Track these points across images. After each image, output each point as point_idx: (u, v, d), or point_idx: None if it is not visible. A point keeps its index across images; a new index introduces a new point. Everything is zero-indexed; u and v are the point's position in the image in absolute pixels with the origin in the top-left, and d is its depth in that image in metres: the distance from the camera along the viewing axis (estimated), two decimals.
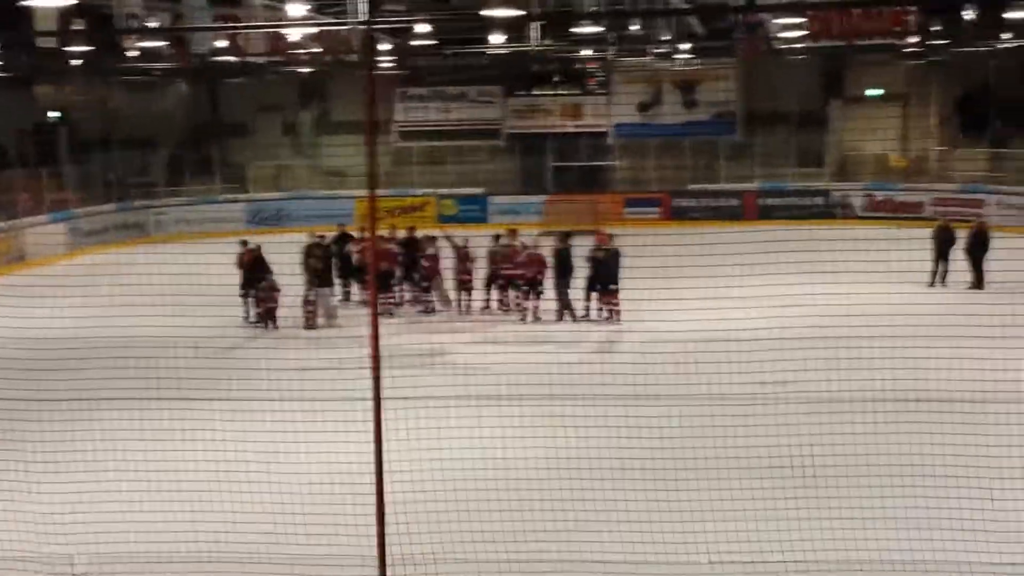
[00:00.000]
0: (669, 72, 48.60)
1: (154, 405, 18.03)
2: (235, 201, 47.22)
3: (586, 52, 46.38)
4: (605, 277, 25.62)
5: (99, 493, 13.80)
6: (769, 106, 47.44)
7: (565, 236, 27.22)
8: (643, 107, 49.39)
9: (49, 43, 34.84)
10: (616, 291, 25.42)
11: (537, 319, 26.00)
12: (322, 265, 26.94)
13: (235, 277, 26.23)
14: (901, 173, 46.26)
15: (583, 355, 22.36)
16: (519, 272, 26.67)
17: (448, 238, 27.90)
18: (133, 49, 37.90)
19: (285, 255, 24.51)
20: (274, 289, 25.85)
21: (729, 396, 17.75)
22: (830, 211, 44.56)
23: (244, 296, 26.53)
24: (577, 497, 13.71)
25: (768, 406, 17.19)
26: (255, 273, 26.41)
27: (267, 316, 26.00)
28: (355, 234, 29.48)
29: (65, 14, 30.76)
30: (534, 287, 26.39)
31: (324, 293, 26.68)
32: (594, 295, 25.96)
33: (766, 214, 43.85)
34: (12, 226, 38.05)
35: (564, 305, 26.07)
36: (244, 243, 27.80)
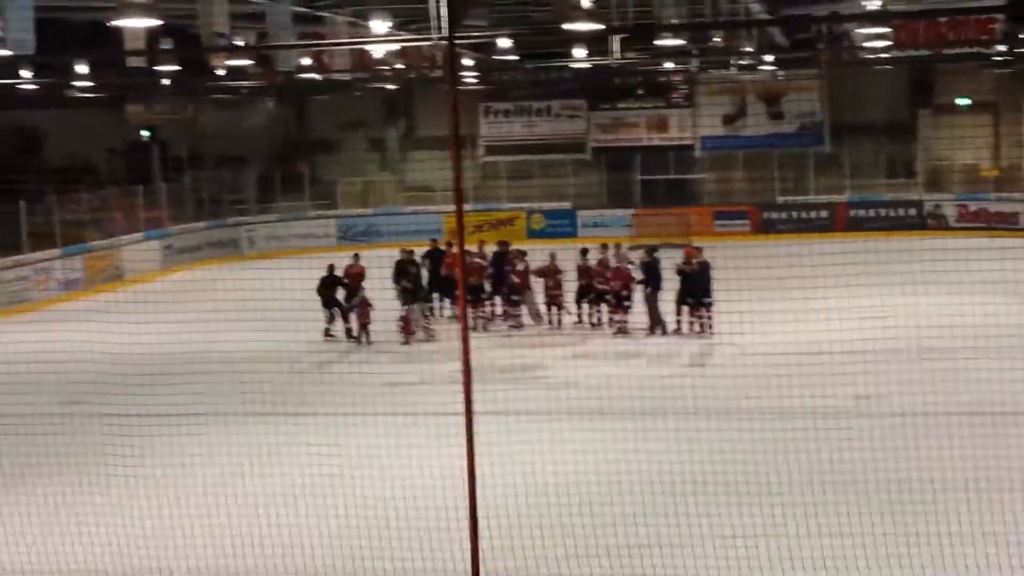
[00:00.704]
0: (753, 84, 48.33)
1: (249, 420, 18.24)
2: (325, 217, 47.60)
3: (669, 65, 46.25)
4: (696, 290, 25.50)
5: (196, 508, 13.98)
6: (856, 117, 47.02)
7: (652, 249, 27.16)
8: (728, 119, 49.13)
9: (138, 63, 35.36)
10: (709, 304, 25.26)
11: (627, 333, 25.93)
12: (414, 281, 27.10)
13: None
14: (992, 183, 45.61)
15: (675, 369, 22.28)
16: (608, 286, 26.63)
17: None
18: (220, 67, 38.36)
19: (374, 270, 24.74)
20: (368, 304, 26.00)
21: (822, 410, 17.59)
22: (922, 222, 44.03)
23: (343, 309, 26.74)
24: (670, 512, 13.65)
25: (863, 420, 17.02)
26: (358, 287, 26.59)
27: (362, 330, 26.15)
28: (444, 248, 29.61)
29: (153, 34, 31.22)
30: (621, 301, 26.34)
31: (416, 309, 26.81)
32: (685, 309, 25.84)
33: (857, 226, 43.43)
34: (109, 244, 38.67)
35: (654, 319, 25.98)
36: (356, 256, 28.11)
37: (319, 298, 26.47)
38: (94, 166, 48.66)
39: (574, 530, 12.92)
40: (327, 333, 26.75)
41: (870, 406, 18.11)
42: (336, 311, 26.79)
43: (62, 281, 35.53)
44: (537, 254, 28.04)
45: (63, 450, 16.47)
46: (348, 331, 26.57)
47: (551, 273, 27.25)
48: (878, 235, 38.35)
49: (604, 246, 27.91)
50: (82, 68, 37.13)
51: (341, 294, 26.85)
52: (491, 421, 15.12)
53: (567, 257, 27.37)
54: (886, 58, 42.96)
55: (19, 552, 12.72)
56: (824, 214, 45.50)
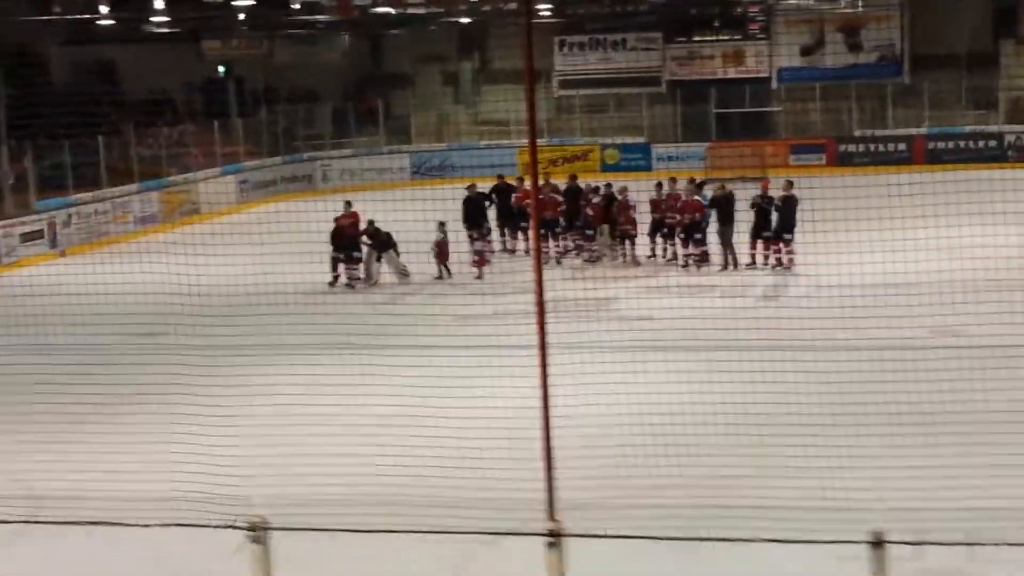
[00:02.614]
0: (832, 14, 47.65)
1: (325, 352, 18.41)
2: (400, 152, 47.66)
3: None
4: (777, 224, 25.33)
5: (274, 438, 14.17)
6: (936, 47, 46.27)
7: (724, 183, 27.06)
8: (806, 51, 48.57)
9: None
10: (789, 240, 25.13)
11: (699, 266, 25.86)
12: (482, 215, 27.16)
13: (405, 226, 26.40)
14: None
15: (749, 302, 22.18)
16: (680, 219, 26.54)
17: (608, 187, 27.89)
18: (296, 2, 38.44)
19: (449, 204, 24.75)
20: (444, 240, 26.06)
21: (898, 343, 17.46)
22: (1003, 154, 43.34)
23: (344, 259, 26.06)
24: (744, 444, 13.67)
25: (939, 352, 16.87)
26: (355, 236, 26.23)
27: (440, 265, 26.20)
28: (514, 183, 29.60)
29: None
30: (692, 233, 26.25)
31: (484, 243, 26.92)
32: (760, 243, 25.72)
33: (936, 158, 42.78)
34: (186, 179, 39.01)
35: (727, 253, 25.89)
36: (348, 204, 27.11)
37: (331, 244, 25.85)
38: (171, 101, 49.00)
39: (647, 460, 12.97)
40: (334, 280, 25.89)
41: (946, 339, 17.95)
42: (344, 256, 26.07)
43: (140, 215, 35.94)
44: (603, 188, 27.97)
45: (142, 380, 16.74)
46: (349, 278, 25.96)
47: (623, 207, 27.18)
48: (957, 167, 37.80)
49: (673, 180, 27.77)
50: (159, 3, 37.32)
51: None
52: (565, 354, 15.17)
53: (641, 189, 27.25)
54: None
55: (101, 479, 12.97)
56: (902, 146, 44.93)
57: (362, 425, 14.51)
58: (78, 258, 29.30)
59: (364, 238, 25.87)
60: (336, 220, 25.67)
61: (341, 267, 25.72)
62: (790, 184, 25.80)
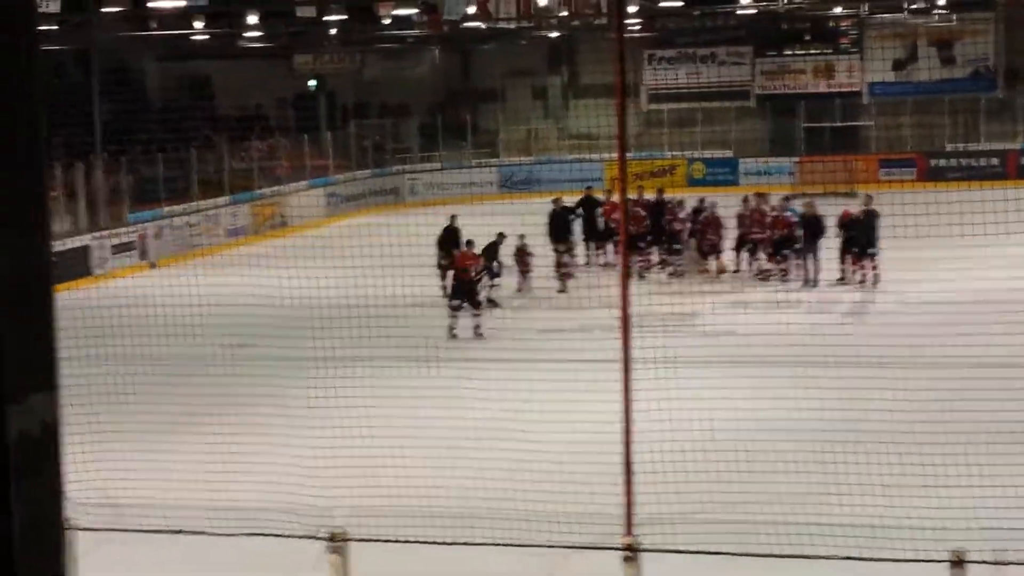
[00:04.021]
0: (925, 28, 47.15)
1: (410, 365, 18.53)
2: (487, 166, 47.84)
3: (838, 9, 45.38)
4: (860, 240, 25.14)
5: (358, 449, 14.28)
6: None
7: (813, 203, 26.89)
8: (898, 65, 48.07)
9: (307, 12, 35.91)
10: (874, 255, 24.92)
11: (784, 281, 25.71)
12: (567, 229, 27.19)
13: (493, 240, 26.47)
14: None
15: (835, 318, 22.00)
16: (767, 235, 26.42)
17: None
18: (387, 17, 38.74)
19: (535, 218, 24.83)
20: (528, 253, 26.12)
21: (986, 360, 17.23)
22: None
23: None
24: (828, 460, 13.54)
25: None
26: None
27: (522, 279, 26.28)
28: (601, 197, 29.61)
29: None
30: (780, 249, 26.12)
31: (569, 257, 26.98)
32: (848, 258, 25.52)
33: None
34: (276, 192, 39.46)
35: (812, 271, 25.73)
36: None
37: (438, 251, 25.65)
38: (263, 115, 49.63)
39: (729, 476, 12.91)
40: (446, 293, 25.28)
41: None
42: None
43: (230, 228, 36.39)
44: (692, 202, 27.94)
45: (231, 391, 16.95)
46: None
47: (711, 222, 27.09)
48: None
49: (759, 195, 27.64)
50: (253, 19, 37.84)
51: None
52: (648, 368, 15.15)
53: (728, 204, 27.17)
54: None
55: (187, 488, 13.15)
56: (995, 161, 44.31)
57: (444, 438, 14.59)
58: (168, 270, 29.75)
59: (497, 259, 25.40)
60: (458, 261, 23.59)
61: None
62: (869, 199, 25.62)
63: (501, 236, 25.28)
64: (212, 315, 18.77)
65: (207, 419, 16.38)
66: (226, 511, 12.34)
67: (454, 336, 21.16)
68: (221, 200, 36.87)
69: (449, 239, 25.97)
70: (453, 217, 26.58)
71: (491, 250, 24.27)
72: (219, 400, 16.83)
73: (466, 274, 22.53)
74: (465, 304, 22.10)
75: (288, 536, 11.53)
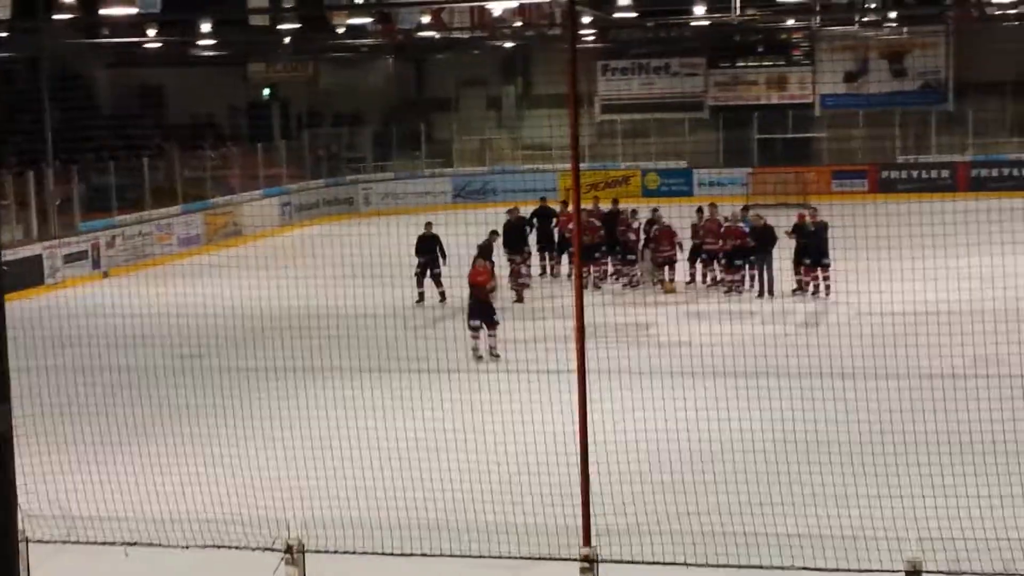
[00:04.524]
0: (876, 41, 47.54)
1: (363, 376, 18.46)
2: (441, 175, 47.84)
3: (790, 22, 45.68)
4: (812, 251, 25.31)
5: (311, 460, 14.23)
6: (982, 75, 46.09)
7: (764, 212, 27.06)
8: (850, 77, 48.49)
9: (261, 21, 35.79)
10: (826, 265, 25.11)
11: (739, 293, 25.85)
12: (522, 240, 27.22)
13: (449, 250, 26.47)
14: None
15: (788, 329, 22.11)
16: (721, 245, 26.55)
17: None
18: (341, 26, 38.67)
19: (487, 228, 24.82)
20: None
21: (938, 371, 17.37)
22: None
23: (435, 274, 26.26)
24: (782, 471, 13.61)
25: (979, 381, 16.76)
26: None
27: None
28: (556, 208, 29.67)
29: None
30: (733, 260, 26.26)
31: (524, 267, 26.99)
32: (802, 269, 25.67)
33: (979, 186, 42.60)
34: (229, 201, 39.28)
35: (764, 282, 25.86)
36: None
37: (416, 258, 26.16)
38: (216, 124, 49.42)
39: (685, 487, 12.95)
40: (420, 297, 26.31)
41: (986, 368, 17.84)
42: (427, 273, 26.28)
43: (182, 237, 36.19)
44: (645, 213, 28.03)
45: (182, 402, 16.85)
46: (442, 295, 26.19)
47: (665, 233, 27.17)
48: (1001, 195, 37.55)
49: (714, 205, 27.76)
50: (206, 27, 37.66)
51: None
52: (603, 379, 15.18)
53: (681, 215, 27.26)
54: (1014, 14, 42.01)
55: (141, 500, 13.06)
56: (945, 173, 44.74)
57: (400, 449, 14.56)
58: (121, 279, 29.55)
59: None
60: (470, 278, 21.86)
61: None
62: (815, 211, 25.84)
63: (494, 235, 25.37)
64: (165, 325, 18.68)
65: (161, 430, 16.28)
66: (181, 522, 12.25)
67: (479, 358, 20.43)
68: (174, 209, 36.65)
69: (426, 246, 26.27)
70: (428, 224, 26.91)
71: (485, 250, 24.32)
72: (172, 411, 16.73)
73: (482, 292, 21.24)
74: (483, 323, 20.83)
75: (244, 548, 11.46)
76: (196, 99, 46.90)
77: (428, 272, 26.22)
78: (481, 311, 20.89)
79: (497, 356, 20.55)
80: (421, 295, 26.28)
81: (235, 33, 41.13)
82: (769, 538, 11.63)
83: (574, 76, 11.34)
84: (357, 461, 13.76)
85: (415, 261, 26.05)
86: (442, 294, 26.11)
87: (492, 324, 20.83)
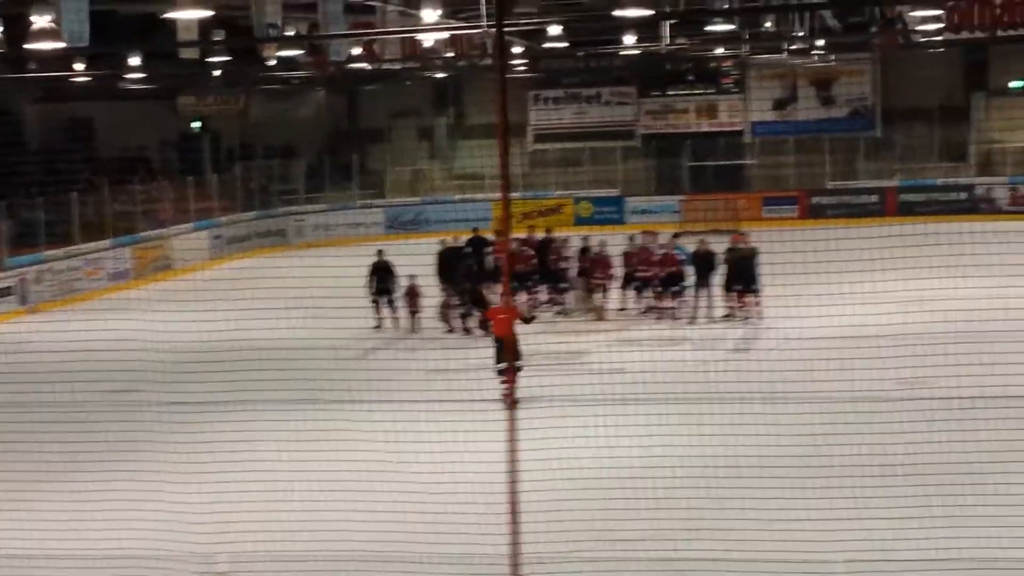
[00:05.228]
0: (805, 68, 48.03)
1: (293, 408, 18.36)
2: (373, 206, 47.75)
3: (720, 50, 46.04)
4: (743, 277, 25.46)
5: (240, 494, 14.10)
6: (908, 101, 46.71)
7: (705, 237, 27.21)
8: (779, 105, 48.95)
9: (191, 54, 35.59)
10: (756, 291, 25.27)
11: (673, 319, 25.94)
12: (455, 269, 27.21)
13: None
14: None
15: (720, 355, 22.22)
16: (654, 272, 26.64)
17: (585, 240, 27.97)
18: (272, 58, 38.54)
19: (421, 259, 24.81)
20: (417, 293, 26.16)
21: (867, 395, 17.53)
22: (974, 206, 43.64)
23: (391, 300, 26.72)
24: (713, 496, 13.65)
25: (908, 404, 16.92)
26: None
27: (411, 319, 26.32)
28: (490, 237, 29.67)
29: (205, 25, 31.40)
30: (669, 287, 26.35)
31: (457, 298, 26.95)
32: (732, 295, 25.82)
33: (907, 211, 43.04)
34: (159, 235, 38.97)
35: (705, 306, 25.99)
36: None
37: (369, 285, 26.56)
38: (146, 158, 49.05)
39: (616, 514, 12.94)
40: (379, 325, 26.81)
41: (915, 391, 18.01)
42: (384, 300, 26.78)
43: (112, 272, 35.86)
44: (576, 240, 28.15)
45: (113, 438, 16.64)
46: (395, 320, 26.71)
47: (599, 261, 27.25)
48: (929, 219, 38.03)
49: (646, 233, 27.87)
50: (135, 60, 37.39)
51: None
52: (535, 407, 15.16)
53: (615, 243, 27.39)
54: (939, 41, 42.54)
55: (67, 538, 12.88)
56: (874, 199, 45.25)
57: (329, 481, 14.45)
58: (48, 315, 29.21)
59: None
60: (489, 316, 21.30)
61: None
62: (746, 237, 26.02)
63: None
64: (93, 360, 18.45)
65: (87, 466, 16.05)
66: (107, 559, 12.10)
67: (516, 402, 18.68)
68: (103, 243, 36.32)
69: (380, 275, 26.76)
70: (380, 252, 27.29)
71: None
72: (99, 447, 16.50)
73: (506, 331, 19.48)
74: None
75: None
76: (126, 133, 46.52)
77: (385, 299, 26.68)
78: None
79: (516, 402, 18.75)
80: (380, 322, 26.71)
81: (165, 66, 40.86)
82: (700, 563, 11.65)
83: (504, 106, 11.34)
84: (286, 494, 13.65)
85: (368, 289, 26.49)
86: (396, 320, 26.53)
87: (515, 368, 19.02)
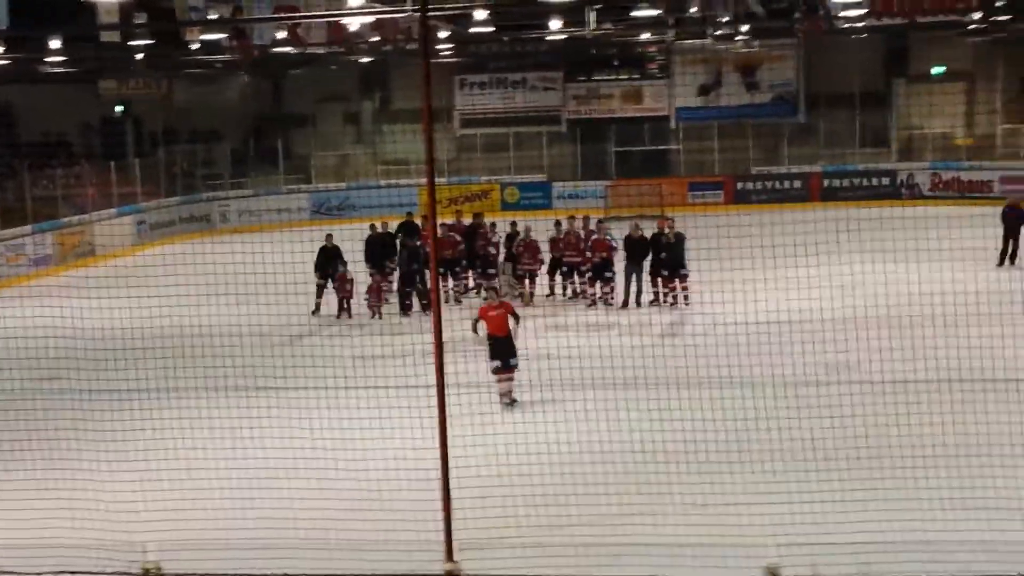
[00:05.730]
0: (729, 54, 48.33)
1: (223, 394, 18.23)
2: (299, 192, 47.51)
3: (645, 36, 46.22)
4: (670, 262, 25.61)
5: (168, 481, 14.01)
6: (831, 86, 47.16)
7: (639, 222, 27.36)
8: (704, 90, 49.22)
9: (112, 37, 35.20)
10: (684, 275, 25.42)
11: (607, 304, 26.05)
12: (386, 254, 27.17)
13: (304, 267, 26.25)
14: (965, 152, 45.74)
15: (648, 340, 22.33)
16: (582, 258, 26.73)
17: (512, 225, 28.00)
18: (195, 42, 38.21)
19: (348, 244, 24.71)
20: (347, 279, 26.13)
21: (794, 379, 17.70)
22: (896, 191, 44.19)
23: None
24: (642, 481, 13.73)
25: (833, 388, 17.11)
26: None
27: (342, 305, 26.28)
28: (419, 222, 29.61)
29: (127, 8, 31.09)
30: (598, 273, 26.44)
31: (386, 283, 26.92)
32: (659, 280, 25.94)
33: (831, 196, 43.55)
34: (81, 220, 38.52)
35: (631, 293, 26.10)
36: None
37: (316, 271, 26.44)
38: (67, 142, 48.43)
39: (546, 500, 12.98)
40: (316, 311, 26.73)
41: (841, 374, 18.23)
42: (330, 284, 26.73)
43: (33, 257, 35.40)
44: (503, 226, 28.17)
45: (36, 426, 16.44)
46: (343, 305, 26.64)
47: (527, 246, 27.29)
48: (852, 204, 38.45)
49: (572, 218, 27.92)
50: (56, 43, 36.88)
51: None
52: (464, 392, 15.19)
53: (540, 229, 27.44)
54: (862, 27, 43.01)
55: None
56: (798, 184, 45.69)
57: (259, 468, 14.39)
58: None
59: None
60: (480, 314, 19.62)
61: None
62: (672, 222, 26.15)
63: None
64: (17, 348, 18.22)
65: (12, 455, 15.87)
66: (36, 548, 11.96)
67: (514, 402, 18.82)
68: (24, 229, 35.85)
69: (328, 260, 26.66)
70: (329, 236, 27.11)
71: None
72: (24, 435, 16.31)
73: (500, 330, 18.70)
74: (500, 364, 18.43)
75: (100, 573, 11.23)
76: (47, 117, 45.87)
77: (329, 284, 26.68)
78: (500, 351, 18.65)
79: (515, 401, 18.32)
80: (318, 306, 26.69)
81: (86, 49, 40.36)
82: (633, 548, 11.72)
83: (428, 91, 11.36)
84: (216, 481, 13.57)
85: (311, 273, 26.05)
86: (344, 304, 26.46)
87: (510, 368, 18.58)
